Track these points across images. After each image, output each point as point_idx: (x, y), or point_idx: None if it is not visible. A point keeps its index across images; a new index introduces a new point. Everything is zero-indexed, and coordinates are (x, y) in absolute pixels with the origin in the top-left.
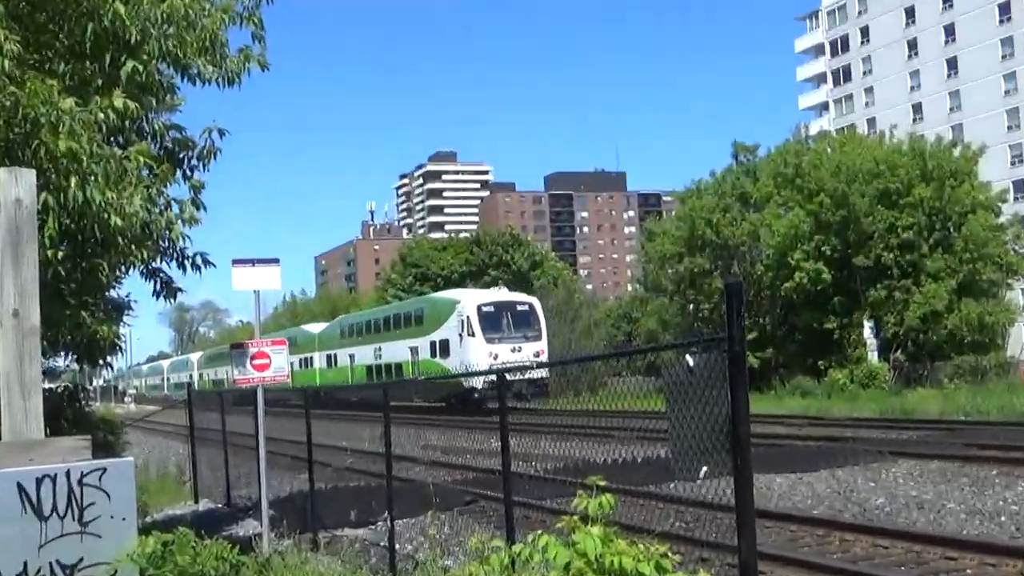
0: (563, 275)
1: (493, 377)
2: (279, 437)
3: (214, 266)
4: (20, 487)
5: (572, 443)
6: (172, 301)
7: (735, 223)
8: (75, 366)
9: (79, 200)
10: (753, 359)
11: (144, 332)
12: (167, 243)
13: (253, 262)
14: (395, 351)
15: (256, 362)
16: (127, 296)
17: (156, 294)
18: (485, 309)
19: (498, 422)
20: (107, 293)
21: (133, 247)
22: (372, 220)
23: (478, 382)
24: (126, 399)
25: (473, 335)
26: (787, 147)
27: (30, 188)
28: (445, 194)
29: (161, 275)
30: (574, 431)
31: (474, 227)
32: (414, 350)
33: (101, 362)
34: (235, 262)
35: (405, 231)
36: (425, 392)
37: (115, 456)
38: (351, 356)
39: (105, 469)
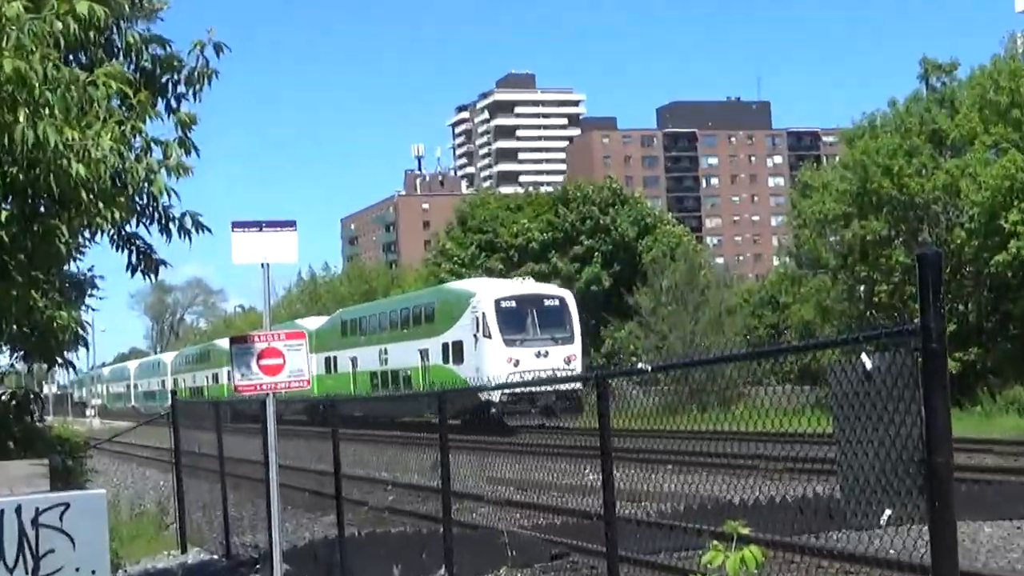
0: (683, 244)
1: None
2: (295, 465)
3: (208, 231)
4: None
5: (699, 476)
6: (152, 278)
7: (924, 172)
8: (21, 365)
9: (28, 141)
10: (951, 362)
11: (112, 321)
12: (146, 199)
13: (260, 225)
14: (404, 354)
15: (265, 362)
16: (91, 271)
17: (131, 268)
18: (504, 304)
19: (599, 447)
20: (66, 267)
21: (101, 205)
22: (419, 169)
23: (494, 394)
24: (88, 412)
25: (489, 336)
26: (998, 65)
27: None
28: (520, 133)
29: (138, 243)
30: (701, 460)
31: (560, 178)
32: (424, 353)
33: (59, 360)
34: (236, 225)
35: (464, 183)
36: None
37: (77, 487)
38: (353, 359)
39: (68, 505)
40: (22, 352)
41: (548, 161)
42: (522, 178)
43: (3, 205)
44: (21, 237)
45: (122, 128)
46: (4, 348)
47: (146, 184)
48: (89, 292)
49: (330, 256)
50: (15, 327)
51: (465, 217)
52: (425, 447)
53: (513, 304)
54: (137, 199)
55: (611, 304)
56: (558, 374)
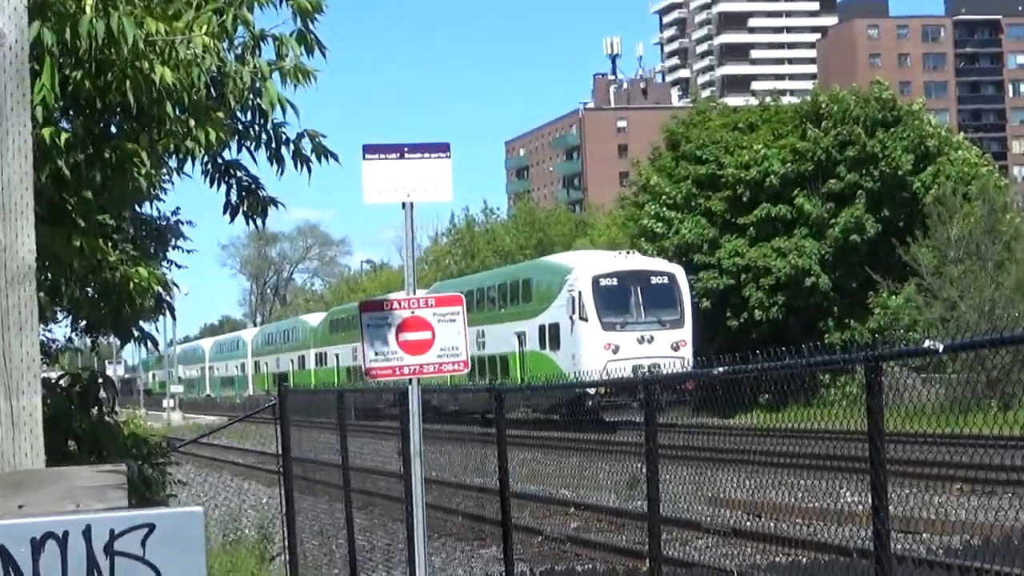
0: (980, 176)
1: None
2: (443, 478)
3: (335, 159)
4: (3, 553)
5: (1003, 500)
6: (258, 223)
7: None
8: (81, 341)
9: (97, 36)
10: None
11: (197, 281)
12: (251, 115)
13: (402, 150)
14: (501, 337)
15: (407, 336)
16: (175, 215)
17: (229, 209)
18: (604, 282)
19: (864, 457)
20: (142, 208)
21: (192, 123)
22: (613, 73)
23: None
24: (166, 403)
25: (585, 319)
26: None
27: (18, 14)
28: (753, 23)
29: (239, 174)
30: (1004, 479)
31: (808, 86)
32: (521, 337)
33: (135, 333)
34: (369, 151)
35: (676, 93)
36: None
37: (159, 503)
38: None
39: (152, 527)
40: (84, 322)
41: (792, 62)
42: (756, 85)
43: (63, 124)
44: (87, 167)
45: (221, 18)
46: (61, 316)
47: (252, 95)
48: (173, 243)
49: (491, 193)
50: (77, 288)
51: (676, 140)
52: (620, 456)
53: (614, 282)
54: (239, 115)
55: (878, 259)
56: (662, 363)
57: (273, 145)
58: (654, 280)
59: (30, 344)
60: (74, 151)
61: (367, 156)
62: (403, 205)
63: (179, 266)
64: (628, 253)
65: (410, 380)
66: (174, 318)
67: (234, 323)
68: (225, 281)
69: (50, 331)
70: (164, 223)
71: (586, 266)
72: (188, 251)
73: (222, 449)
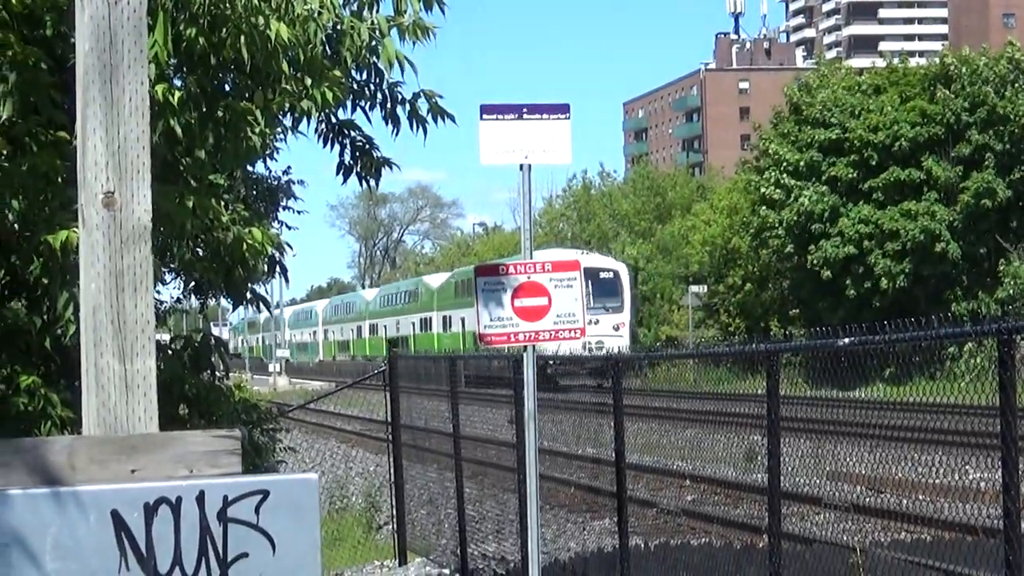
0: None
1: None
2: (554, 448)
3: (451, 119)
4: (116, 518)
5: None
6: (372, 184)
7: None
8: (190, 303)
9: None
10: None
11: (305, 242)
12: (367, 74)
13: (520, 111)
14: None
15: (523, 302)
16: (286, 174)
17: (343, 170)
18: None
19: (993, 433)
20: (254, 167)
21: (308, 81)
22: (736, 31)
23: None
24: (271, 367)
25: None
26: None
27: None
28: None
29: (353, 134)
30: None
31: (938, 46)
32: None
33: (248, 296)
34: (486, 111)
35: (800, 53)
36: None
37: (269, 469)
38: (463, 320)
39: (266, 493)
40: (193, 284)
41: (923, 21)
42: (883, 46)
43: (175, 82)
44: (200, 126)
45: None
46: (169, 278)
47: (369, 52)
48: (284, 203)
49: (608, 156)
50: (188, 249)
51: (799, 103)
52: (737, 427)
53: None
54: (355, 73)
55: (1008, 226)
56: (605, 340)
57: (389, 105)
58: (602, 275)
59: (144, 306)
60: (187, 109)
61: (484, 117)
62: (520, 167)
63: (289, 227)
64: (584, 252)
65: (525, 347)
66: (287, 280)
67: (342, 285)
68: (333, 242)
69: (158, 293)
70: (275, 183)
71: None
72: (299, 212)
73: (329, 415)
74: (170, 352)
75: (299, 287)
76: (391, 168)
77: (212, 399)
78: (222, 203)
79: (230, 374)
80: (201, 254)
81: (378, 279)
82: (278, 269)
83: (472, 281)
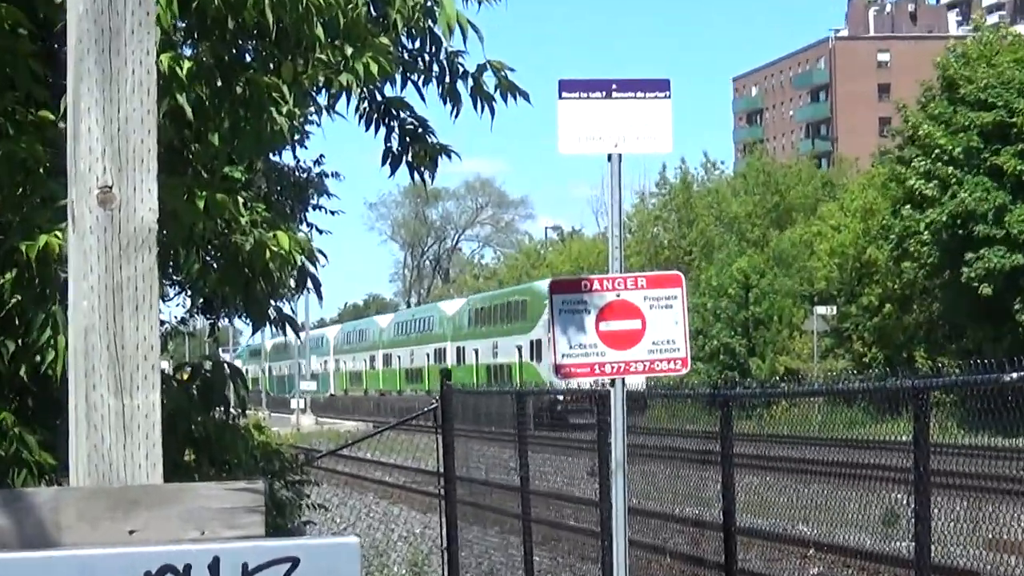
0: None
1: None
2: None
3: (524, 98)
4: None
5: None
6: (426, 177)
7: None
8: (196, 323)
9: None
10: None
11: (337, 246)
12: (422, 42)
13: (608, 88)
14: (506, 349)
15: (610, 326)
16: (318, 165)
17: (390, 158)
18: None
19: None
20: (278, 156)
21: (347, 49)
22: None
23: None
24: (295, 402)
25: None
26: None
27: None
28: None
29: (403, 115)
30: None
31: None
32: (519, 350)
33: (271, 315)
34: (566, 88)
35: (953, 18)
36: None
37: (295, 533)
38: (476, 351)
39: (296, 561)
40: (201, 300)
41: None
42: None
43: (183, 51)
44: (214, 104)
45: None
46: (172, 293)
47: (423, 16)
48: (315, 200)
49: (713, 143)
50: (197, 257)
51: (954, 79)
52: (874, 481)
53: None
54: (405, 41)
55: None
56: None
57: (447, 79)
58: None
59: (148, 327)
60: (198, 84)
61: (565, 95)
62: (608, 157)
63: (319, 230)
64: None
65: (613, 381)
66: (320, 297)
67: (381, 303)
68: (372, 250)
69: (160, 311)
70: (304, 176)
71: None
72: (332, 212)
73: (365, 463)
74: (174, 383)
75: (331, 304)
76: (449, 157)
77: (227, 442)
78: (240, 200)
79: (246, 411)
80: (213, 264)
81: (427, 296)
82: (309, 282)
83: (487, 308)
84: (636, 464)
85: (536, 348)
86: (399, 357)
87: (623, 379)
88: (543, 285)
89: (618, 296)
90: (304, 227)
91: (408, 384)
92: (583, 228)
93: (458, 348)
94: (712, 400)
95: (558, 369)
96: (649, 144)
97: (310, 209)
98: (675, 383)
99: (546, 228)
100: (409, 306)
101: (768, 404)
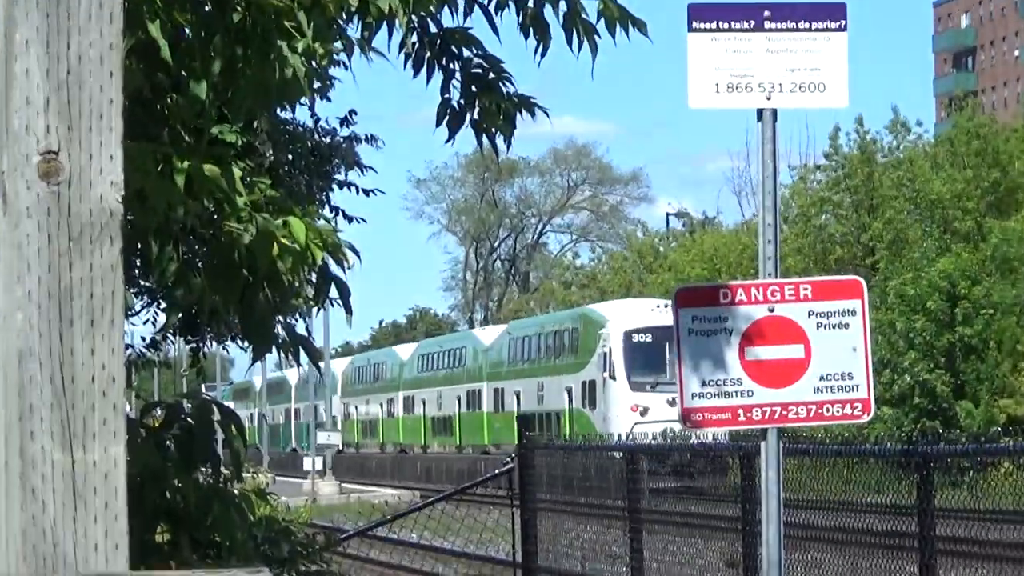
0: None
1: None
2: None
3: (642, 32)
4: None
5: None
6: (500, 144)
7: None
8: (173, 346)
9: None
10: None
11: (369, 240)
12: None
13: (759, 16)
14: (555, 392)
15: (760, 352)
16: (346, 126)
17: (448, 120)
18: (637, 338)
19: None
20: (290, 112)
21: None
22: None
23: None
24: (310, 462)
25: (614, 377)
26: None
27: None
28: None
29: (468, 53)
30: None
31: None
32: (570, 393)
33: (279, 337)
34: (698, 16)
35: None
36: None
37: None
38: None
39: None
40: (180, 314)
41: None
42: None
43: None
44: (200, 39)
45: None
46: (140, 303)
47: None
48: (339, 176)
49: (904, 96)
50: (175, 253)
51: None
52: None
53: (648, 337)
54: None
55: None
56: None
57: (530, 3)
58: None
59: (108, 350)
60: (179, 8)
61: (696, 25)
62: (759, 115)
63: (348, 217)
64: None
65: (764, 431)
66: (349, 309)
67: (432, 322)
68: (419, 246)
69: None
70: (328, 141)
71: (620, 318)
72: (366, 192)
73: (410, 548)
74: (143, 432)
75: (361, 323)
76: (532, 114)
77: (214, 515)
78: (236, 174)
79: (243, 472)
80: (198, 262)
81: (496, 311)
82: (333, 289)
83: (535, 339)
84: (795, 551)
85: (589, 391)
86: (423, 401)
87: (777, 429)
88: (600, 309)
89: (771, 311)
90: (327, 212)
91: (435, 437)
92: (720, 216)
93: (495, 390)
94: (906, 459)
95: (686, 416)
96: (816, 97)
97: (335, 187)
98: (847, 433)
99: (668, 215)
100: (472, 325)
101: (984, 467)
